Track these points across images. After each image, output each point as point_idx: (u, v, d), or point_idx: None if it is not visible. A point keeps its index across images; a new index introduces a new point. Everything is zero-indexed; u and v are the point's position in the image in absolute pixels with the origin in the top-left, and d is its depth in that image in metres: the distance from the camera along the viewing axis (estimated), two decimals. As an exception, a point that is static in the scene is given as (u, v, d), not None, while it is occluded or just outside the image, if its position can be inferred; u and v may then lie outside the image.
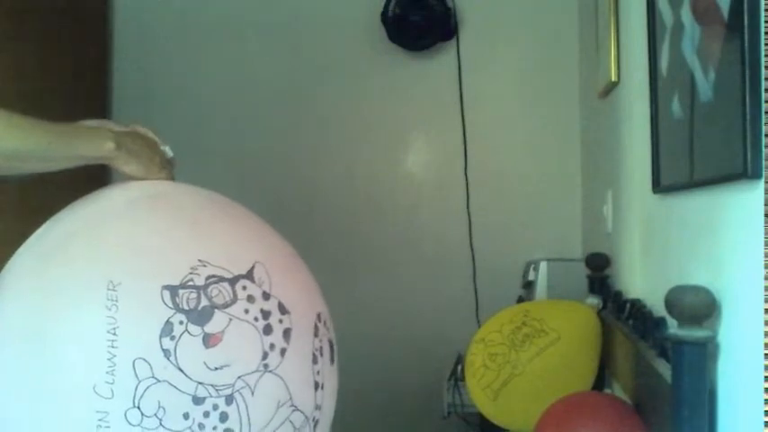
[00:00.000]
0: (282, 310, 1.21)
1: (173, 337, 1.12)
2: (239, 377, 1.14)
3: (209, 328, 1.13)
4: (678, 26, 1.41)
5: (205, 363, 1.12)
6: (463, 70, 3.19)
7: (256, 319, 1.17)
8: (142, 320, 1.13)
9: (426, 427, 3.10)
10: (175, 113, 3.17)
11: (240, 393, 1.14)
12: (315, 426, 1.24)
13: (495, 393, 1.97)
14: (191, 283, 1.15)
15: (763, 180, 1.06)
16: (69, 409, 1.11)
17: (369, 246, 3.22)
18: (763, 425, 1.05)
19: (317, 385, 1.24)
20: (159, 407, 1.10)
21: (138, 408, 1.10)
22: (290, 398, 1.19)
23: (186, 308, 1.13)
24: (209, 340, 1.13)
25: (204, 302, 1.14)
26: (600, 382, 2.07)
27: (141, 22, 3.30)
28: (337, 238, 3.19)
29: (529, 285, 2.70)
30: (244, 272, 1.19)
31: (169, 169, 1.38)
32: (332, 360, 1.29)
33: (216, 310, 1.14)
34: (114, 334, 1.11)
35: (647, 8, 1.61)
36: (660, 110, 1.56)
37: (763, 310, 1.05)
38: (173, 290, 1.14)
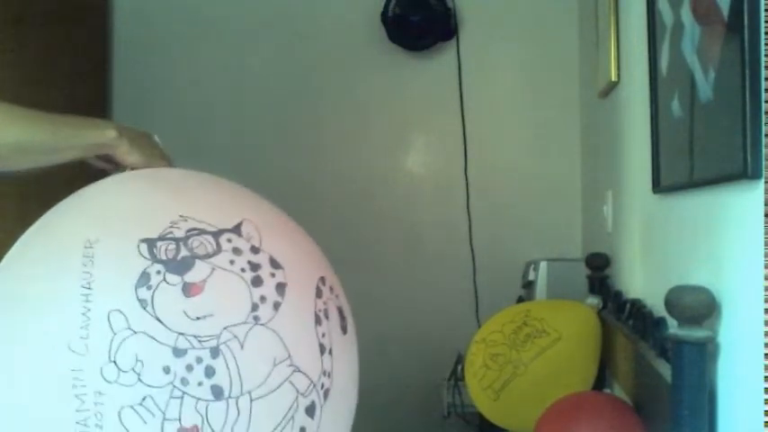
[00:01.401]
0: (275, 264, 1.14)
1: (149, 287, 1.05)
2: (225, 328, 1.06)
3: (190, 277, 1.07)
4: (678, 26, 1.41)
5: (185, 312, 1.05)
6: (463, 70, 3.19)
7: (243, 270, 1.11)
8: (117, 273, 1.07)
9: (426, 427, 3.10)
10: (175, 113, 3.17)
11: (227, 345, 1.06)
12: (325, 394, 1.15)
13: (497, 394, 1.97)
14: (170, 236, 1.10)
15: (763, 180, 1.06)
16: (44, 369, 1.05)
17: (368, 245, 3.22)
18: (763, 425, 1.05)
19: (322, 348, 1.15)
20: (137, 360, 1.02)
21: (115, 362, 1.02)
22: (289, 356, 1.10)
23: (164, 258, 1.08)
24: (189, 289, 1.07)
25: (184, 253, 1.09)
26: (600, 382, 2.07)
27: (141, 22, 3.30)
28: (337, 238, 3.19)
29: (529, 285, 2.70)
30: (229, 227, 1.15)
31: (169, 161, 1.39)
32: (343, 329, 1.22)
33: (197, 260, 1.09)
34: (89, 288, 1.06)
35: (647, 8, 1.61)
36: (660, 110, 1.56)
37: (763, 310, 1.05)
38: (150, 242, 1.09)
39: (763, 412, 1.05)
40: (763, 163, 1.06)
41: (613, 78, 2.14)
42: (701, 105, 1.29)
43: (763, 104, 1.05)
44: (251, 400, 1.06)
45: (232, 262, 1.11)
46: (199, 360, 1.04)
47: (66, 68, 2.99)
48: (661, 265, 1.62)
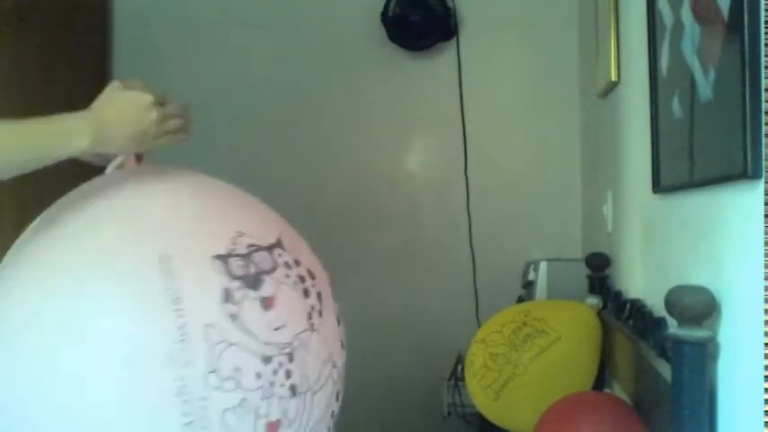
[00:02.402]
0: (311, 275, 1.29)
1: (235, 302, 1.17)
2: (295, 335, 1.22)
3: (263, 292, 1.20)
4: (678, 26, 1.41)
5: (267, 324, 1.18)
6: (463, 70, 3.19)
7: (296, 283, 1.25)
8: (202, 288, 1.16)
9: (426, 427, 3.10)
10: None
11: (298, 351, 1.21)
12: (342, 382, 1.35)
13: (497, 394, 1.97)
14: (237, 252, 1.20)
15: (763, 180, 1.06)
16: (149, 379, 1.13)
17: (368, 245, 3.22)
18: (763, 425, 1.05)
19: (342, 344, 1.35)
20: (235, 369, 1.15)
21: (215, 372, 1.14)
22: (331, 355, 1.29)
23: (238, 274, 1.19)
24: (266, 303, 1.19)
25: (252, 269, 1.20)
26: (600, 382, 2.07)
27: (141, 22, 3.30)
28: (337, 238, 3.19)
29: (529, 285, 2.70)
30: (273, 241, 1.26)
31: (171, 135, 1.35)
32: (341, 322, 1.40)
33: (264, 276, 1.21)
34: (179, 304, 1.14)
35: (647, 8, 1.61)
36: (660, 110, 1.56)
37: (763, 310, 1.05)
38: (223, 259, 1.19)
39: (763, 412, 1.05)
40: (763, 163, 1.06)
41: (613, 78, 2.14)
42: (701, 105, 1.29)
43: (763, 104, 1.05)
44: (313, 394, 1.24)
45: (287, 276, 1.25)
46: (281, 365, 1.19)
47: (67, 68, 2.99)
48: (661, 265, 1.62)
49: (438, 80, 3.21)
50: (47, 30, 2.88)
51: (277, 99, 3.26)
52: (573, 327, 2.01)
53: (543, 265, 2.62)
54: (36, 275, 1.21)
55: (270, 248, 1.24)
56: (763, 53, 1.05)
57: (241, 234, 1.23)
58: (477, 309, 3.10)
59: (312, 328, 1.25)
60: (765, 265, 1.04)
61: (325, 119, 3.26)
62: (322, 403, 1.27)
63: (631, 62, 1.95)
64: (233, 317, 1.16)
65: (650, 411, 1.54)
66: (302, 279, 1.26)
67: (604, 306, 2.10)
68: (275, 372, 1.18)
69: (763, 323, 1.05)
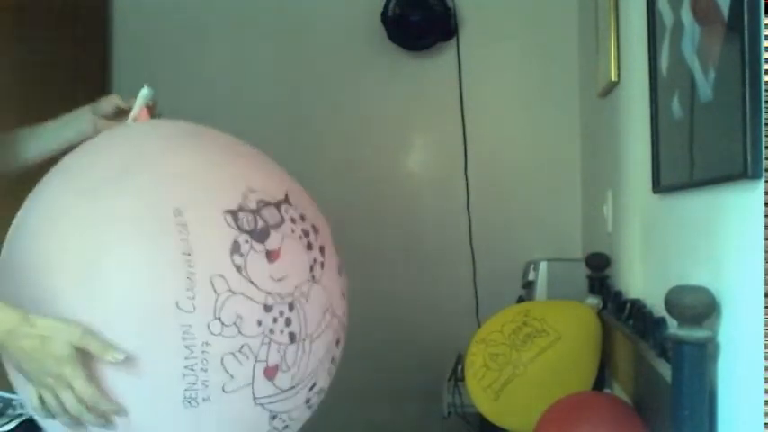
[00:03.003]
0: (315, 229, 1.37)
1: (241, 254, 1.24)
2: (296, 286, 1.29)
3: (269, 245, 1.27)
4: (678, 26, 1.41)
5: (270, 275, 1.26)
6: (463, 70, 3.19)
7: (300, 237, 1.33)
8: (213, 241, 1.24)
9: (426, 427, 3.10)
10: (175, 114, 3.16)
11: (298, 301, 1.29)
12: (343, 329, 1.43)
13: (497, 394, 1.97)
14: (247, 208, 1.28)
15: (763, 180, 1.06)
16: (154, 325, 1.21)
17: (368, 245, 3.22)
18: (763, 425, 1.05)
19: (342, 294, 1.42)
20: (237, 316, 1.23)
21: (219, 318, 1.22)
22: (331, 305, 1.36)
23: (248, 228, 1.26)
24: (271, 255, 1.27)
25: (261, 223, 1.28)
26: (600, 382, 2.07)
27: (141, 22, 3.30)
28: (337, 238, 3.19)
29: (529, 285, 2.70)
30: (282, 197, 1.34)
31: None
32: (343, 272, 1.46)
33: (271, 230, 1.29)
34: (189, 255, 1.22)
35: (647, 8, 1.61)
36: (660, 110, 1.56)
37: (763, 310, 1.05)
38: (233, 213, 1.27)
39: (763, 412, 1.05)
40: (763, 163, 1.06)
41: (613, 78, 2.14)
42: (701, 105, 1.29)
43: (763, 104, 1.05)
44: (311, 342, 1.32)
45: (293, 230, 1.32)
46: (281, 313, 1.27)
47: (67, 68, 2.99)
48: (661, 265, 1.62)
49: (438, 80, 3.21)
50: (47, 31, 2.88)
51: (276, 98, 3.26)
52: (573, 327, 2.01)
53: (543, 265, 2.62)
54: (51, 226, 1.28)
55: (278, 204, 1.32)
56: (763, 53, 1.05)
57: (252, 190, 1.30)
58: (477, 309, 3.10)
59: (313, 279, 1.33)
60: (765, 264, 1.04)
61: (324, 118, 3.26)
62: (321, 349, 1.34)
63: (631, 62, 1.95)
64: (239, 268, 1.23)
65: (650, 411, 1.53)
66: (306, 233, 1.34)
67: (604, 306, 2.10)
68: (275, 320, 1.26)
69: (763, 323, 1.05)
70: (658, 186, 1.58)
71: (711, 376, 1.21)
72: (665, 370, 1.36)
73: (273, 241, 1.28)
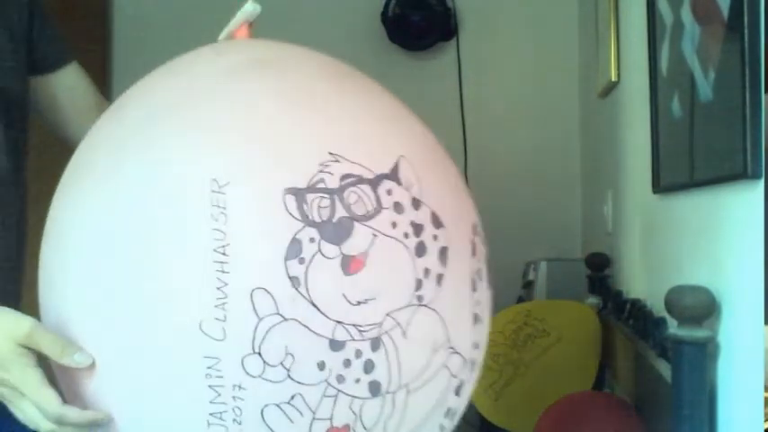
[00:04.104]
0: (436, 222, 0.91)
1: (302, 260, 0.83)
2: (388, 314, 0.86)
3: (349, 247, 0.85)
4: (678, 26, 1.41)
5: (345, 295, 0.84)
6: (463, 70, 3.19)
7: (406, 235, 0.88)
8: (261, 236, 0.83)
9: (426, 427, 3.09)
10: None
11: (389, 335, 0.87)
12: (472, 368, 0.99)
13: (498, 394, 1.97)
14: (321, 185, 0.85)
15: (763, 180, 1.06)
16: (169, 352, 0.85)
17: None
18: (763, 425, 1.05)
19: (476, 318, 0.97)
20: (287, 353, 0.83)
21: (260, 354, 0.83)
22: (448, 338, 0.92)
23: (318, 219, 0.84)
24: (349, 264, 0.85)
25: (340, 212, 0.85)
26: (600, 382, 2.07)
27: (141, 22, 3.30)
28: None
29: (529, 285, 2.70)
30: (387, 170, 0.89)
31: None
32: (491, 285, 1.03)
33: (356, 223, 0.85)
34: (224, 254, 0.82)
35: (647, 8, 1.61)
36: (660, 110, 1.56)
37: (763, 310, 1.05)
38: (299, 194, 0.84)
39: (763, 412, 1.05)
40: (763, 163, 1.06)
41: (613, 78, 2.14)
42: (701, 105, 1.29)
43: (763, 104, 1.05)
44: (407, 393, 0.89)
45: (394, 224, 0.87)
46: (358, 354, 0.85)
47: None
48: (661, 265, 1.62)
49: (438, 80, 3.21)
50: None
51: (277, 99, 3.26)
52: (573, 327, 2.01)
53: (543, 265, 2.62)
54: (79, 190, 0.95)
55: (376, 181, 0.88)
56: (763, 53, 1.05)
57: (336, 158, 0.87)
58: (477, 309, 3.10)
59: (420, 301, 0.88)
60: (765, 265, 1.04)
61: (325, 119, 3.26)
62: (425, 403, 0.92)
63: (631, 62, 1.95)
64: (295, 281, 0.83)
65: (650, 411, 1.54)
66: (419, 229, 0.89)
67: (604, 306, 2.10)
68: (348, 362, 0.85)
69: (763, 323, 1.05)
70: (658, 186, 1.58)
71: (711, 376, 1.21)
72: (665, 370, 1.36)
73: (357, 242, 0.85)
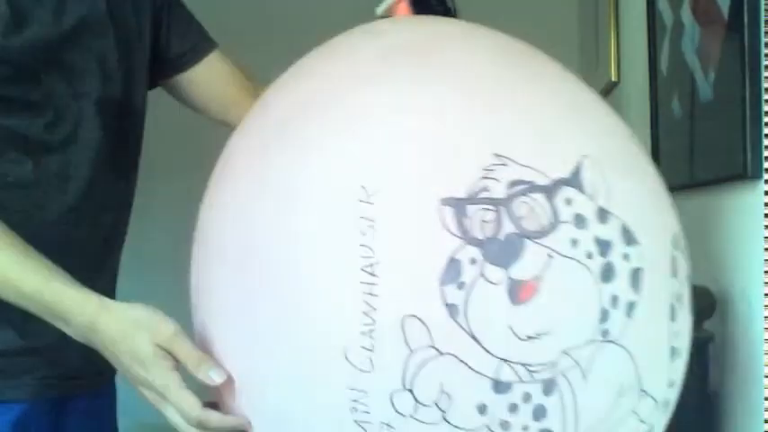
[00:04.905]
0: (628, 237, 0.76)
1: (461, 285, 0.71)
2: (565, 351, 0.73)
3: (518, 271, 0.72)
4: (678, 26, 1.41)
5: (512, 328, 0.72)
6: (463, 70, 3.19)
7: (590, 255, 0.73)
8: (414, 255, 0.72)
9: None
10: (175, 114, 3.16)
11: (565, 377, 0.74)
12: (665, 410, 0.85)
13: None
14: (485, 195, 0.72)
15: (763, 180, 1.06)
16: (312, 379, 0.76)
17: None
18: (763, 425, 1.05)
19: (673, 353, 0.81)
20: (442, 392, 0.72)
21: (411, 391, 0.73)
22: (638, 380, 0.78)
23: (481, 236, 0.71)
24: (518, 291, 0.72)
25: (508, 227, 0.72)
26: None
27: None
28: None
29: (529, 285, 2.69)
30: (566, 174, 0.75)
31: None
32: (690, 308, 0.85)
33: (527, 241, 0.72)
34: (372, 273, 0.72)
35: (647, 8, 1.61)
36: (660, 110, 1.56)
37: (763, 310, 1.05)
38: (458, 205, 0.72)
39: (763, 412, 1.05)
40: (764, 163, 1.06)
41: (613, 78, 2.14)
42: (701, 105, 1.29)
43: (764, 104, 1.05)
44: None
45: (575, 242, 0.73)
46: (527, 398, 0.73)
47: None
48: (661, 265, 1.62)
49: (438, 80, 3.21)
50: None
51: (277, 99, 3.26)
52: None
53: (543, 265, 2.61)
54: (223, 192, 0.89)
55: (553, 188, 0.74)
56: (763, 53, 1.05)
57: (504, 160, 0.73)
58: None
59: (605, 336, 0.74)
60: (765, 264, 1.04)
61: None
62: None
63: (631, 62, 1.95)
64: (453, 309, 0.71)
65: (650, 411, 1.53)
66: (605, 247, 0.74)
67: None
68: (514, 407, 0.73)
69: (763, 323, 1.05)
70: (658, 186, 1.58)
71: (711, 376, 1.21)
72: (665, 370, 1.36)
73: (529, 264, 0.72)
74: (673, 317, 0.80)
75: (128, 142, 1.26)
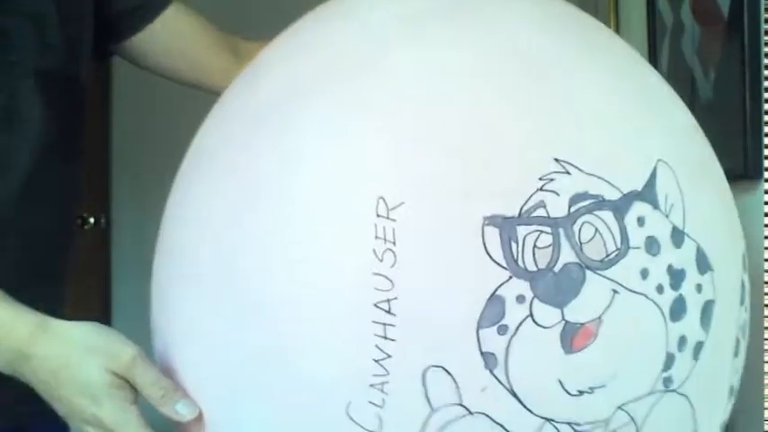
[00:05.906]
0: (703, 263, 0.63)
1: (503, 329, 0.55)
2: (620, 407, 0.59)
3: (576, 311, 0.56)
4: (678, 26, 1.41)
5: (561, 382, 0.57)
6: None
7: (660, 288, 0.59)
8: (444, 289, 0.56)
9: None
10: (175, 114, 3.16)
11: None
12: None
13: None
14: (541, 212, 0.56)
15: (763, 180, 1.06)
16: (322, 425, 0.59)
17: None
18: (763, 424, 1.05)
19: (731, 393, 0.72)
20: None
21: None
22: (695, 429, 0.65)
23: (533, 267, 0.55)
24: (574, 336, 0.56)
25: (568, 256, 0.56)
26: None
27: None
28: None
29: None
30: (639, 185, 0.59)
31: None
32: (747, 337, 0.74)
33: (589, 273, 0.56)
34: (389, 311, 0.56)
35: (647, 8, 1.61)
36: (660, 110, 1.56)
37: (763, 310, 1.05)
38: (506, 226, 0.55)
39: (763, 412, 1.05)
40: (764, 163, 1.06)
41: (613, 78, 2.14)
42: (702, 105, 1.29)
43: (764, 104, 1.05)
44: None
45: (645, 273, 0.58)
46: None
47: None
48: (661, 265, 1.62)
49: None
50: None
51: (277, 99, 3.26)
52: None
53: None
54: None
55: (623, 204, 0.58)
56: (763, 53, 1.05)
57: (565, 167, 0.57)
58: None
59: (667, 386, 0.60)
60: (765, 264, 1.04)
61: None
62: None
63: (631, 62, 1.95)
64: (491, 359, 0.55)
65: (650, 411, 1.53)
66: (677, 277, 0.60)
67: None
68: None
69: (763, 323, 1.05)
70: (658, 186, 1.58)
71: (712, 376, 1.20)
72: (665, 370, 1.35)
73: (589, 301, 0.57)
74: (737, 352, 0.70)
75: (75, 124, 1.05)
